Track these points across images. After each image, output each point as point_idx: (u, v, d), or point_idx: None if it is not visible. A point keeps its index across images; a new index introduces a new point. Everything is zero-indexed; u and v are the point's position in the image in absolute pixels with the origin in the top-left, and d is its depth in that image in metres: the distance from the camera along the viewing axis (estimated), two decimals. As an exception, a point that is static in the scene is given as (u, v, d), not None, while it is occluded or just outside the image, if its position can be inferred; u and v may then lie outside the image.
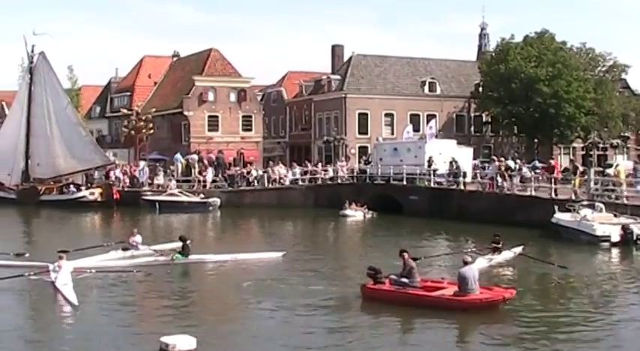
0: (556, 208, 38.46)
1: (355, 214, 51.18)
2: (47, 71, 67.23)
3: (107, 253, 30.57)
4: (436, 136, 58.22)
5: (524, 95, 76.37)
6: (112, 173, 64.17)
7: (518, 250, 30.82)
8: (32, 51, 68.53)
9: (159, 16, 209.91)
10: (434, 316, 20.33)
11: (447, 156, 52.21)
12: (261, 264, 29.76)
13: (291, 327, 19.90)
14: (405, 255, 22.36)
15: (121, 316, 21.27)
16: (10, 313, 21.64)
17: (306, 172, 62.79)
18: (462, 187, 49.43)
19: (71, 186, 63.66)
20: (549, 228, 37.79)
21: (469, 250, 31.45)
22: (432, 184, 51.56)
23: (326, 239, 44.24)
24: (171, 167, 66.94)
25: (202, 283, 26.64)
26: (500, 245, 29.96)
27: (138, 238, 31.68)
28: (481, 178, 50.51)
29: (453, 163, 50.80)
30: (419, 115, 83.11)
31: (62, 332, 19.72)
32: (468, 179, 50.51)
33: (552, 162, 53.62)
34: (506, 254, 29.93)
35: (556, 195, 42.47)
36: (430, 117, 76.24)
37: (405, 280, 21.81)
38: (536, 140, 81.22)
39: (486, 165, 55.18)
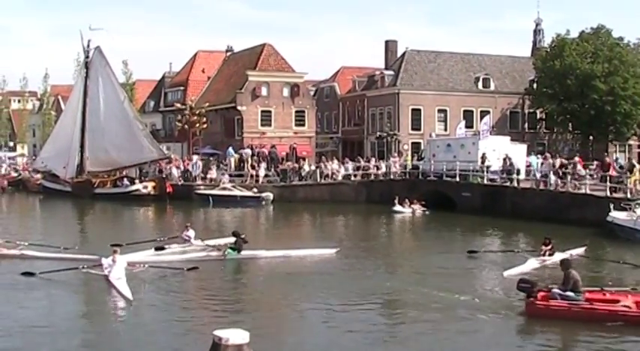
0: (612, 206, 37.98)
1: (405, 210, 50.97)
2: (103, 66, 67.95)
3: (160, 247, 30.57)
4: (490, 133, 57.79)
5: (580, 92, 75.56)
6: (165, 167, 64.74)
7: (580, 251, 30.28)
8: (88, 46, 69.48)
9: (212, 12, 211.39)
10: (624, 334, 18.55)
11: (500, 153, 51.81)
12: (315, 260, 29.73)
13: (351, 327, 19.60)
14: (571, 269, 20.30)
15: (174, 310, 21.39)
16: (65, 306, 21.88)
17: (358, 168, 62.78)
18: (515, 185, 48.99)
19: (125, 179, 64.34)
20: (604, 227, 37.31)
21: (521, 251, 31.20)
22: (485, 181, 51.21)
23: (378, 236, 43.84)
24: (224, 161, 67.21)
25: (255, 279, 26.58)
26: (551, 248, 28.93)
27: (191, 233, 31.80)
28: (535, 175, 50.10)
29: (507, 159, 50.35)
30: (472, 112, 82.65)
31: (116, 325, 19.86)
32: (522, 176, 50.01)
33: (607, 159, 52.92)
34: (559, 256, 27.97)
35: (611, 193, 41.98)
36: (484, 113, 75.61)
37: (571, 293, 19.77)
38: (591, 137, 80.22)
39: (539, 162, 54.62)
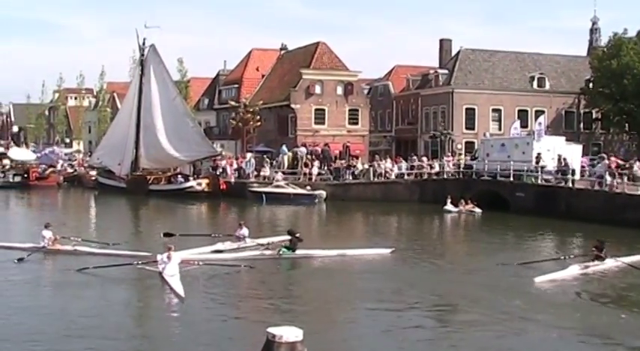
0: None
1: (458, 210, 50.69)
2: (157, 63, 68.39)
3: (214, 244, 30.68)
4: (545, 133, 57.29)
5: (637, 92, 74.36)
6: (219, 164, 65.16)
7: (637, 258, 28.10)
8: (144, 44, 69.95)
9: (267, 10, 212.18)
10: None
11: (555, 153, 51.41)
12: (370, 260, 29.62)
13: (406, 329, 19.54)
14: None
15: (228, 307, 21.56)
16: (118, 303, 22.09)
17: (412, 167, 62.62)
18: (570, 185, 48.53)
19: (179, 176, 64.85)
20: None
21: (568, 256, 29.13)
22: (539, 182, 50.78)
23: (433, 236, 43.61)
24: (277, 159, 67.42)
25: (310, 278, 26.58)
26: (602, 253, 27.08)
27: (244, 231, 31.80)
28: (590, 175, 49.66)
29: (562, 160, 49.93)
30: (527, 111, 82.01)
31: (169, 322, 20.03)
32: (577, 177, 49.54)
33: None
34: (611, 263, 27.14)
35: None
36: (539, 113, 75.04)
37: None
38: (647, 138, 79.32)
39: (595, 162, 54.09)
